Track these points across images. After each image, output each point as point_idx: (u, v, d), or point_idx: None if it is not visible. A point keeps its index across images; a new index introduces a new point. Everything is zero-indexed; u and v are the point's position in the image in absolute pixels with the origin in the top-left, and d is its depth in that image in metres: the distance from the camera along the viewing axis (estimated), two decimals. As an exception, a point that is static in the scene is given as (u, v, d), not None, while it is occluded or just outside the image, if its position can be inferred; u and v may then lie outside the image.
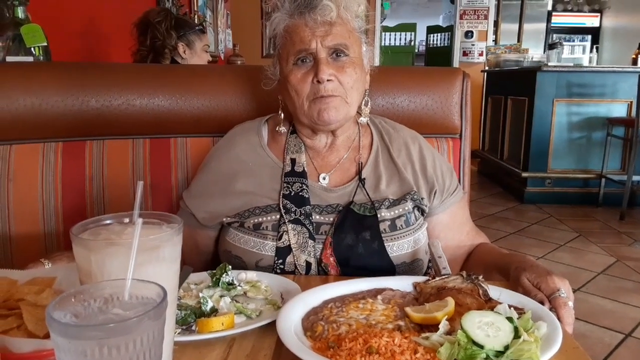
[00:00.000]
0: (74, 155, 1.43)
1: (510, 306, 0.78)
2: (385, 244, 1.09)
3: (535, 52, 6.42)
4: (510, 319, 0.72)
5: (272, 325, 0.77)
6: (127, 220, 0.69)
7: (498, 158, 5.67)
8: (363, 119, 1.21)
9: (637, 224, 4.34)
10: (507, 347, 0.68)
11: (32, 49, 1.66)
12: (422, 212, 1.19)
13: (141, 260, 0.60)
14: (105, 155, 1.45)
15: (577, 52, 7.32)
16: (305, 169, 1.16)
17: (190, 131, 1.49)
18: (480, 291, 0.85)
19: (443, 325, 0.73)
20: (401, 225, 1.13)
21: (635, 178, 4.47)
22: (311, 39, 1.06)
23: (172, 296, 0.65)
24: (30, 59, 1.63)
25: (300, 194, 1.13)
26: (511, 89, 5.41)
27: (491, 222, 4.39)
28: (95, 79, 1.44)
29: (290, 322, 0.77)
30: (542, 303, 0.86)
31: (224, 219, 1.14)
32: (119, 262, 0.60)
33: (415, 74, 1.56)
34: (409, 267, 1.12)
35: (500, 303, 0.81)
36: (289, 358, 0.72)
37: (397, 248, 1.11)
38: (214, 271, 0.92)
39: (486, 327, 0.70)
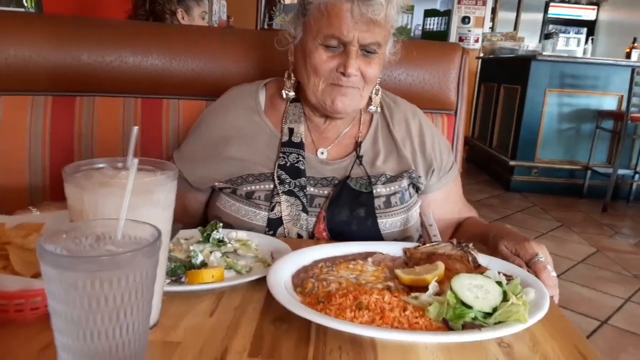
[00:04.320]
0: (64, 110, 1.40)
1: (499, 273, 0.79)
2: (378, 221, 1.09)
3: (530, 42, 6.42)
4: (499, 283, 0.73)
5: (262, 282, 0.76)
6: (120, 165, 0.68)
7: (487, 146, 5.70)
8: (372, 108, 1.17)
9: (618, 217, 4.41)
10: (495, 309, 0.69)
11: (24, 0, 1.62)
12: (417, 189, 1.18)
13: (135, 203, 0.59)
14: (95, 113, 1.43)
15: (572, 44, 7.32)
16: (303, 140, 1.13)
17: (183, 93, 1.46)
18: (470, 258, 0.85)
19: (432, 287, 0.74)
20: (395, 202, 1.12)
21: (621, 171, 4.54)
22: (350, 30, 0.99)
23: (165, 241, 0.65)
24: (21, 10, 1.59)
25: (296, 165, 1.10)
26: (505, 76, 5.42)
27: (477, 208, 4.33)
28: (88, 34, 1.40)
29: (281, 278, 0.77)
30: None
31: (216, 184, 1.12)
32: (112, 203, 0.59)
33: (414, 47, 1.54)
34: None
35: (489, 269, 0.82)
36: (278, 311, 0.72)
37: (390, 225, 1.10)
38: (205, 228, 0.91)
39: (475, 290, 0.71)
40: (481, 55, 6.36)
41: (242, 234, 0.95)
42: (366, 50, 1.03)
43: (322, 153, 1.15)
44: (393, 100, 1.24)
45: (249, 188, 1.08)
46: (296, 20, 1.10)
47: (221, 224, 0.92)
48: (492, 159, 5.45)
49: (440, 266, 0.79)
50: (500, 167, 5.24)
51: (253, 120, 1.15)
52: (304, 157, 1.11)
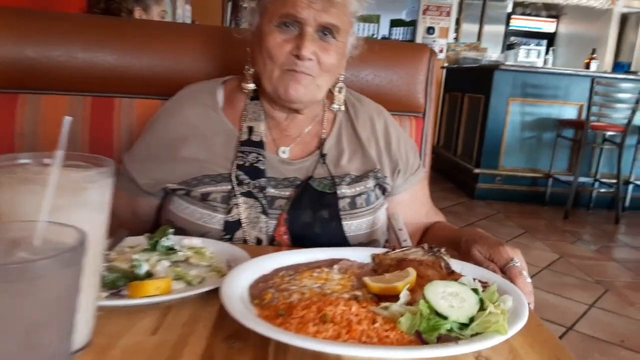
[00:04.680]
0: (4, 108, 1.28)
1: (474, 279, 0.73)
2: (342, 223, 1.03)
3: (493, 52, 6.54)
4: (475, 291, 0.67)
5: (215, 294, 0.68)
6: (48, 160, 0.58)
7: (452, 154, 5.75)
8: (336, 106, 1.11)
9: (580, 223, 4.49)
10: (472, 319, 0.62)
11: (-38, -10, 1.49)
12: (384, 191, 1.13)
13: (61, 203, 0.51)
14: (39, 112, 1.31)
15: (533, 56, 7.52)
16: (264, 139, 1.06)
17: (137, 92, 1.36)
18: (442, 264, 0.79)
19: (404, 295, 0.67)
20: (361, 204, 1.06)
21: (581, 179, 4.63)
22: (305, 7, 0.95)
23: (96, 248, 0.56)
24: (-42, 0, 1.46)
25: (256, 165, 1.03)
26: (469, 86, 5.48)
27: (443, 215, 4.43)
28: (33, 26, 1.29)
29: (236, 289, 0.69)
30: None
31: (168, 185, 1.04)
32: (33, 203, 0.50)
33: (381, 47, 1.49)
34: (366, 247, 1.06)
35: (463, 276, 0.76)
36: (232, 327, 0.64)
37: (355, 227, 1.04)
38: (153, 234, 0.82)
39: (450, 298, 0.65)
40: (446, 65, 6.43)
41: (195, 241, 0.87)
42: (323, 33, 0.99)
43: (284, 152, 1.08)
44: (358, 99, 1.19)
45: (204, 190, 1.00)
46: (253, 7, 1.05)
47: (172, 230, 0.83)
48: (457, 167, 5.50)
49: (412, 273, 0.73)
50: (464, 175, 5.28)
51: (210, 119, 1.08)
52: (264, 157, 1.04)
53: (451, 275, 0.76)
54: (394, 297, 0.69)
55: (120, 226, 1.12)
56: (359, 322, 0.61)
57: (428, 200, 1.25)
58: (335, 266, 0.79)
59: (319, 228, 1.01)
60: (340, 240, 1.02)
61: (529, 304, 0.75)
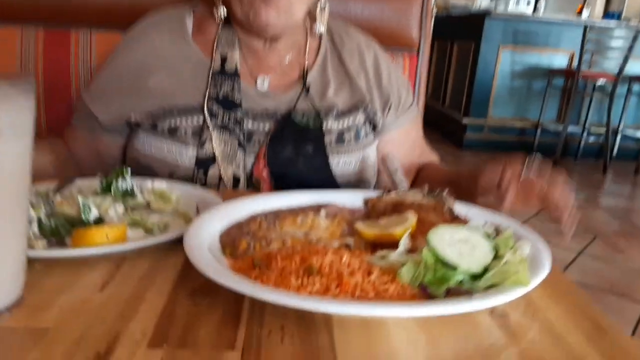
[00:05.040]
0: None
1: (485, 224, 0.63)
2: (329, 159, 0.92)
3: (482, 1, 6.31)
4: (488, 236, 0.56)
5: (179, 244, 0.56)
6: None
7: (440, 104, 5.62)
8: (320, 28, 1.00)
9: (568, 173, 4.42)
10: (486, 269, 0.52)
11: None
12: (374, 127, 1.02)
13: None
14: (-16, 44, 1.16)
15: (523, 4, 7.29)
16: (238, 68, 0.95)
17: (96, 22, 1.22)
18: (445, 207, 0.69)
19: (404, 243, 0.57)
20: (349, 140, 0.95)
21: (570, 129, 4.57)
22: None
23: (16, 187, 0.44)
24: None
25: (231, 96, 0.92)
26: (458, 34, 5.30)
27: (430, 166, 4.35)
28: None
29: (204, 237, 0.58)
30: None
31: (132, 116, 0.91)
32: None
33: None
34: (355, 187, 0.96)
35: (467, 220, 0.65)
36: (199, 282, 0.53)
37: (343, 164, 0.94)
38: (108, 177, 0.70)
39: (459, 245, 0.54)
40: (434, 11, 6.20)
41: (160, 184, 0.75)
42: None
43: (262, 83, 0.95)
44: (345, 31, 1.07)
45: (172, 123, 0.89)
46: None
47: (129, 169, 0.71)
48: (445, 117, 5.39)
49: (411, 218, 0.62)
50: (452, 125, 5.18)
51: (178, 46, 0.96)
52: (239, 87, 0.92)
53: (456, 220, 0.66)
54: (392, 245, 0.58)
55: (80, 171, 1.00)
56: (352, 273, 0.51)
57: (422, 140, 1.14)
58: (322, 211, 0.68)
59: (302, 164, 0.90)
60: (327, 178, 0.92)
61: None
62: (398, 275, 0.51)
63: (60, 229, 0.58)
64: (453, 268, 0.52)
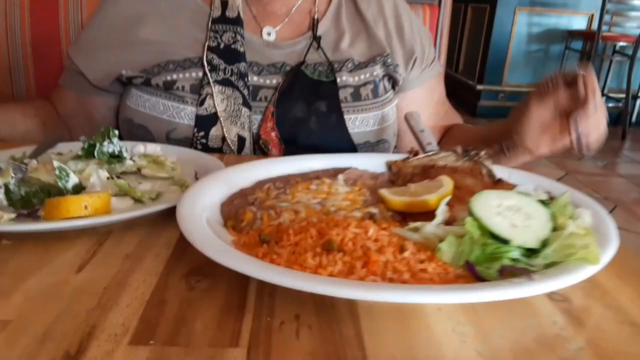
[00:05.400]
0: None
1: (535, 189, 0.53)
2: (345, 117, 0.82)
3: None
4: (543, 203, 0.47)
5: (174, 214, 0.47)
6: None
7: (453, 71, 5.44)
8: None
9: (585, 141, 4.30)
10: (545, 243, 0.43)
11: None
12: (394, 83, 0.91)
13: None
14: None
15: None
16: (241, 14, 0.85)
17: (86, -26, 1.10)
18: (484, 170, 0.59)
19: (441, 212, 0.47)
20: (367, 95, 0.85)
21: (589, 94, 4.39)
22: None
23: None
24: None
25: (233, 46, 0.82)
26: (472, -4, 5.07)
27: (443, 134, 4.23)
28: None
29: (202, 208, 0.49)
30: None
31: (123, 73, 0.81)
32: None
33: None
34: (373, 149, 0.86)
35: (513, 185, 0.56)
36: (196, 261, 0.44)
37: (361, 123, 0.84)
38: (92, 138, 0.61)
39: (510, 214, 0.44)
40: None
41: (153, 148, 0.65)
42: None
43: (269, 33, 0.85)
44: None
45: (168, 77, 0.79)
46: None
47: (116, 131, 0.61)
48: (458, 84, 5.21)
49: (446, 182, 0.53)
50: (466, 92, 5.01)
51: None
52: (242, 37, 0.82)
53: (499, 185, 0.56)
54: (425, 215, 0.49)
55: (70, 134, 0.91)
56: (381, 250, 0.41)
57: (446, 99, 1.04)
58: (340, 176, 0.58)
59: (314, 123, 0.81)
60: (343, 139, 0.82)
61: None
62: (437, 251, 0.42)
63: (32, 199, 0.48)
64: (504, 242, 0.42)
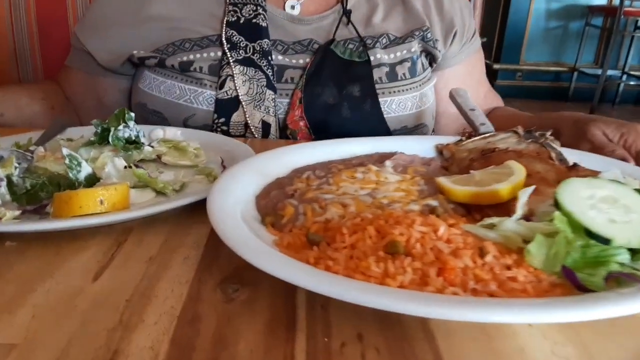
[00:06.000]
0: None
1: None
2: (380, 100, 0.75)
3: None
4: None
5: (203, 207, 0.40)
6: None
7: (467, 50, 5.30)
8: None
9: (606, 120, 4.18)
10: (653, 243, 0.35)
11: None
12: (433, 60, 0.83)
13: None
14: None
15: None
16: None
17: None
18: (552, 154, 0.51)
19: (521, 205, 0.39)
20: (404, 75, 0.77)
21: (609, 72, 4.25)
22: None
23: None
24: None
25: (254, 21, 0.75)
26: (488, -29, 4.91)
27: (459, 115, 4.12)
28: None
29: (235, 202, 0.42)
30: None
31: (134, 53, 0.74)
32: None
33: None
34: (411, 133, 0.79)
35: (594, 172, 0.48)
36: (232, 266, 0.38)
37: (397, 106, 0.77)
38: (105, 122, 0.54)
39: (605, 207, 0.37)
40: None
41: (173, 132, 0.58)
42: None
43: (293, 7, 0.77)
44: None
45: (184, 58, 0.72)
46: None
47: (132, 114, 0.54)
48: (473, 63, 5.08)
49: (517, 168, 0.45)
50: (482, 71, 4.89)
51: None
52: (264, 10, 0.74)
53: (575, 171, 0.48)
54: (494, 208, 0.42)
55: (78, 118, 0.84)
56: (456, 253, 0.34)
57: (485, 78, 0.96)
58: (388, 162, 0.51)
59: (347, 110, 0.74)
60: (378, 125, 0.75)
61: None
62: (526, 254, 0.35)
63: (39, 192, 0.42)
64: (603, 242, 0.35)
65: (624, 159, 0.56)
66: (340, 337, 0.31)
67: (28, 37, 1.04)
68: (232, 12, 0.75)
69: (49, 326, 0.31)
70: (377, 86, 0.75)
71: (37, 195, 0.42)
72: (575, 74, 4.44)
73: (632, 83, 4.48)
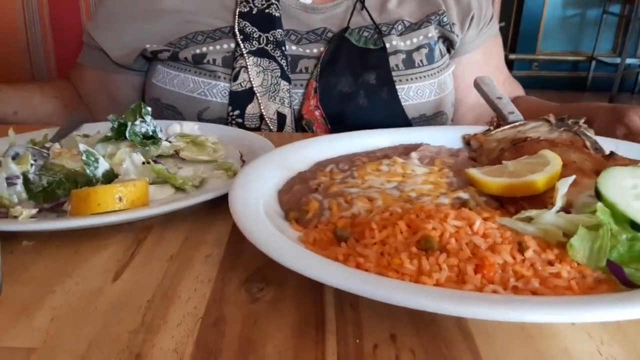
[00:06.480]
0: None
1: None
2: (397, 88, 0.73)
3: None
4: (688, 183, 0.37)
5: (224, 204, 0.39)
6: None
7: (482, 40, 5.23)
8: None
9: (625, 110, 4.09)
10: None
11: None
12: (450, 46, 0.81)
13: None
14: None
15: None
16: None
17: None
18: (587, 142, 0.49)
19: (561, 196, 0.37)
20: (421, 62, 0.75)
21: (628, 61, 4.16)
22: None
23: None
24: None
25: (267, 11, 0.73)
26: (502, -41, 4.83)
27: (474, 107, 4.07)
28: None
29: (257, 197, 0.40)
30: None
31: (147, 47, 0.73)
32: None
33: None
34: (430, 122, 0.77)
35: (633, 160, 0.46)
36: (256, 264, 0.36)
37: (415, 94, 0.75)
38: (121, 117, 0.52)
39: (651, 198, 0.35)
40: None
41: (190, 126, 0.57)
42: None
43: None
44: None
45: (197, 50, 0.70)
46: None
47: (149, 108, 0.53)
48: (488, 54, 5.01)
49: (553, 158, 0.43)
50: (497, 62, 4.82)
51: None
52: (277, 1, 0.73)
53: (610, 160, 0.46)
54: (530, 200, 0.40)
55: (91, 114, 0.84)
56: (494, 249, 0.32)
57: (504, 64, 0.93)
58: (414, 154, 0.49)
59: (363, 98, 0.72)
60: (396, 114, 0.73)
61: None
62: (568, 249, 0.33)
63: (56, 190, 0.41)
64: (650, 234, 0.33)
65: None
66: (372, 339, 0.30)
67: (41, 34, 1.04)
68: (244, 3, 0.73)
69: (69, 329, 0.30)
70: (393, 73, 0.73)
71: (54, 192, 0.41)
72: (593, 63, 4.35)
73: (651, 71, 4.38)
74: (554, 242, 0.34)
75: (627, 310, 0.27)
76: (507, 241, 0.33)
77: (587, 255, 0.33)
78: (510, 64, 4.49)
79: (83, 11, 1.02)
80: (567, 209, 0.38)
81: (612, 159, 0.46)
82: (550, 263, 0.32)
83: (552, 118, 0.53)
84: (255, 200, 0.40)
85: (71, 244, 0.39)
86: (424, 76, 0.76)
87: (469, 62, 0.85)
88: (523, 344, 0.30)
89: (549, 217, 0.36)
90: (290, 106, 0.71)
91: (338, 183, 0.44)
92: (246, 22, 0.72)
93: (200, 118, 0.71)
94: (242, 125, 0.71)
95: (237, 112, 0.70)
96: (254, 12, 0.73)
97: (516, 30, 4.45)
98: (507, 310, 0.26)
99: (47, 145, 0.48)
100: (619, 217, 0.34)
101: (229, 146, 0.55)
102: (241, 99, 0.70)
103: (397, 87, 0.73)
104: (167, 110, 0.73)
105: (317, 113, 0.72)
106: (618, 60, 4.14)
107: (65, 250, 0.38)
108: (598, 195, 0.35)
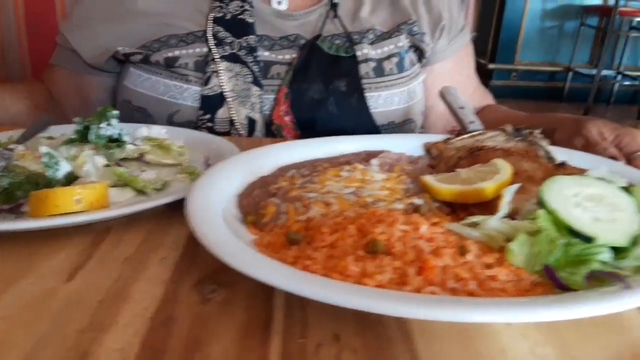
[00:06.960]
0: None
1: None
2: (366, 95, 0.74)
3: None
4: (627, 191, 0.39)
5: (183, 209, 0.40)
6: None
7: (463, 50, 5.31)
8: None
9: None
10: (636, 240, 0.35)
11: None
12: (421, 55, 0.82)
13: None
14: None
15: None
16: None
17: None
18: (540, 152, 0.51)
19: (506, 203, 0.39)
20: (391, 70, 0.77)
21: (605, 72, 4.26)
22: None
23: None
24: None
25: (241, 17, 0.74)
26: (483, -30, 4.91)
27: (454, 115, 4.11)
28: None
29: (216, 201, 0.41)
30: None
31: (119, 49, 0.73)
32: None
33: None
34: (399, 129, 0.78)
35: (582, 169, 0.47)
36: (210, 267, 0.37)
37: (385, 102, 0.76)
38: (87, 119, 0.53)
39: (590, 205, 0.37)
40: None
41: (157, 130, 0.58)
42: None
43: (280, 2, 0.77)
44: None
45: (169, 54, 0.71)
46: None
47: (116, 112, 0.54)
48: (469, 63, 5.08)
49: (503, 167, 0.44)
50: (478, 71, 4.87)
51: None
52: (251, 6, 0.75)
53: (562, 169, 0.48)
54: (480, 207, 0.41)
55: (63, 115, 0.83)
56: (437, 252, 0.34)
57: (475, 73, 0.95)
58: (374, 161, 0.51)
59: (333, 105, 0.73)
60: (364, 121, 0.74)
61: None
62: (507, 253, 0.34)
63: (16, 191, 0.41)
64: (586, 240, 0.34)
65: (614, 158, 0.56)
66: (316, 338, 0.31)
67: (16, 35, 1.03)
68: (218, 8, 0.74)
69: (18, 327, 0.31)
70: (363, 81, 0.74)
71: (13, 194, 0.41)
72: (570, 74, 4.45)
73: (626, 83, 4.49)
74: (496, 247, 0.36)
75: (558, 311, 0.29)
76: (450, 245, 0.35)
77: (524, 259, 0.34)
78: (489, 74, 4.57)
79: (59, 11, 1.02)
80: (513, 215, 0.40)
81: (562, 168, 0.48)
82: (489, 266, 0.33)
83: (508, 128, 0.55)
84: (214, 204, 0.41)
85: (28, 245, 0.39)
86: (394, 84, 0.77)
87: (440, 71, 0.86)
88: (461, 343, 0.31)
89: (493, 223, 0.37)
90: (260, 112, 0.72)
91: (297, 188, 0.45)
92: (220, 27, 0.73)
93: (170, 121, 0.72)
94: (212, 130, 0.71)
95: (207, 116, 0.71)
96: (227, 17, 0.74)
97: (495, 41, 4.52)
98: (442, 311, 0.28)
99: (11, 146, 0.49)
100: (559, 223, 0.36)
101: (196, 150, 0.56)
102: (212, 103, 0.71)
103: (367, 94, 0.74)
104: (138, 113, 0.73)
105: (287, 119, 0.74)
106: (594, 71, 4.23)
107: (21, 251, 0.38)
108: (541, 202, 0.37)
